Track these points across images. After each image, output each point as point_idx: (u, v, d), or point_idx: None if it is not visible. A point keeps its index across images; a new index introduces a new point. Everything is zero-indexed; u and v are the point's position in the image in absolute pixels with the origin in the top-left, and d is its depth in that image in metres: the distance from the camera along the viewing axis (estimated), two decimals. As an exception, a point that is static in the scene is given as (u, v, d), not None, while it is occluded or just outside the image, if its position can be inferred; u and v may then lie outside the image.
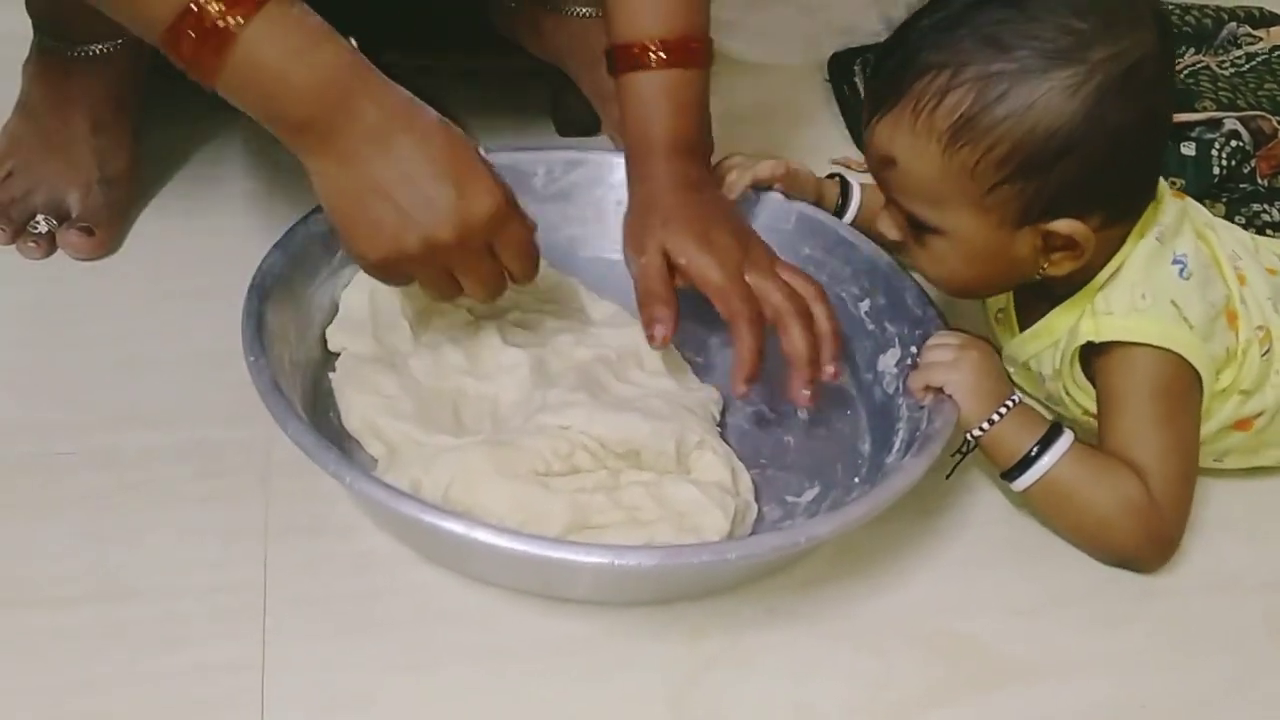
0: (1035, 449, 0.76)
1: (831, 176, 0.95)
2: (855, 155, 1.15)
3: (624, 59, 0.87)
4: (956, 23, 0.72)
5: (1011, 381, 0.80)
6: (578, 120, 1.12)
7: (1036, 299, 0.82)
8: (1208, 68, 1.18)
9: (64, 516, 0.75)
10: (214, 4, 0.66)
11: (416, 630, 0.70)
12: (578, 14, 1.07)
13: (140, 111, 0.98)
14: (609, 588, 0.73)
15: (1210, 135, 1.06)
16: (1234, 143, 1.06)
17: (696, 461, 0.77)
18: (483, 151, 0.76)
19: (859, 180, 0.94)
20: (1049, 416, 0.78)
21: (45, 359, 0.85)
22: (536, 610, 0.72)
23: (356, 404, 0.78)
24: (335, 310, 0.85)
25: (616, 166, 0.95)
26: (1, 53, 0.98)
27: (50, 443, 0.79)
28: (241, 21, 0.67)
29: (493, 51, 1.12)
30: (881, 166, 0.77)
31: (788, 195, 0.93)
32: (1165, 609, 0.76)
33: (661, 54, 0.85)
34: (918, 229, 0.78)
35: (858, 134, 1.17)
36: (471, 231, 0.73)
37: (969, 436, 0.77)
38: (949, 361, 0.78)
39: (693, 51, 0.86)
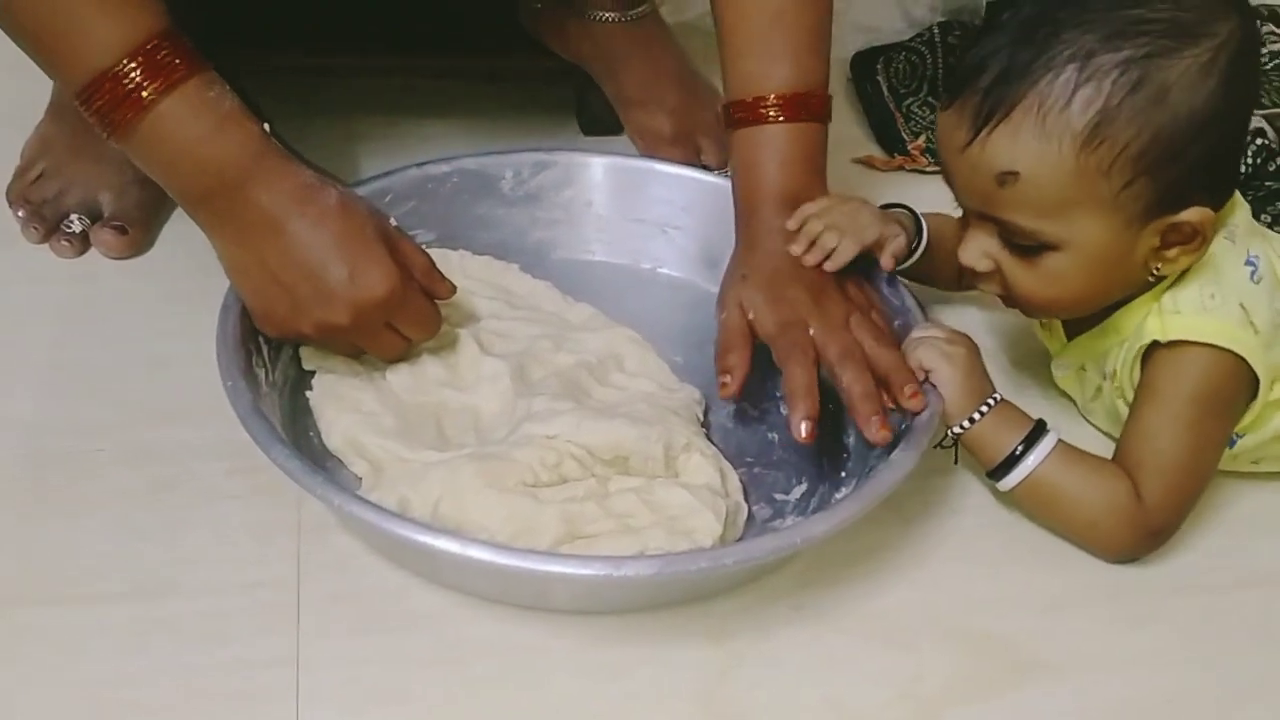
0: (1020, 448, 0.73)
1: (889, 207, 0.86)
2: (877, 153, 1.14)
3: (740, 115, 0.83)
4: (1053, 20, 0.68)
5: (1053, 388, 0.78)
6: (602, 120, 1.10)
7: None
8: (1232, 66, 1.17)
9: (99, 513, 0.73)
10: (134, 73, 0.67)
11: (449, 626, 0.69)
12: (600, 18, 1.04)
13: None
14: (605, 599, 0.70)
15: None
16: (1259, 140, 1.02)
17: (685, 464, 0.74)
18: (393, 223, 0.75)
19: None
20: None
21: (79, 357, 0.85)
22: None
23: (337, 423, 0.76)
24: None
25: (585, 167, 0.93)
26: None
27: (84, 440, 0.78)
28: (155, 96, 0.67)
29: (520, 52, 1.10)
30: (998, 184, 0.70)
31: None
32: (1195, 606, 0.74)
33: (778, 109, 0.81)
34: (1026, 250, 0.72)
35: (879, 132, 1.14)
36: (365, 314, 0.73)
37: (951, 432, 0.75)
38: (942, 354, 0.75)
39: (811, 106, 0.82)
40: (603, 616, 0.70)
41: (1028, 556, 0.76)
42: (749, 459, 0.79)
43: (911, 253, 0.84)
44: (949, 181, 0.75)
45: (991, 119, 0.69)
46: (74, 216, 0.93)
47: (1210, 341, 0.72)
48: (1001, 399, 0.75)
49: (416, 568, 0.71)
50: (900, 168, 1.11)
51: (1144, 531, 0.74)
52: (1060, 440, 0.74)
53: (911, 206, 0.86)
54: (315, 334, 0.74)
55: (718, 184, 0.93)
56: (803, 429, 0.71)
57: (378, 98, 1.12)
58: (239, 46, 1.03)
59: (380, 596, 0.70)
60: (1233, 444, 0.77)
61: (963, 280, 0.84)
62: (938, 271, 0.87)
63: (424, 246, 0.88)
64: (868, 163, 1.11)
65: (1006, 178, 0.69)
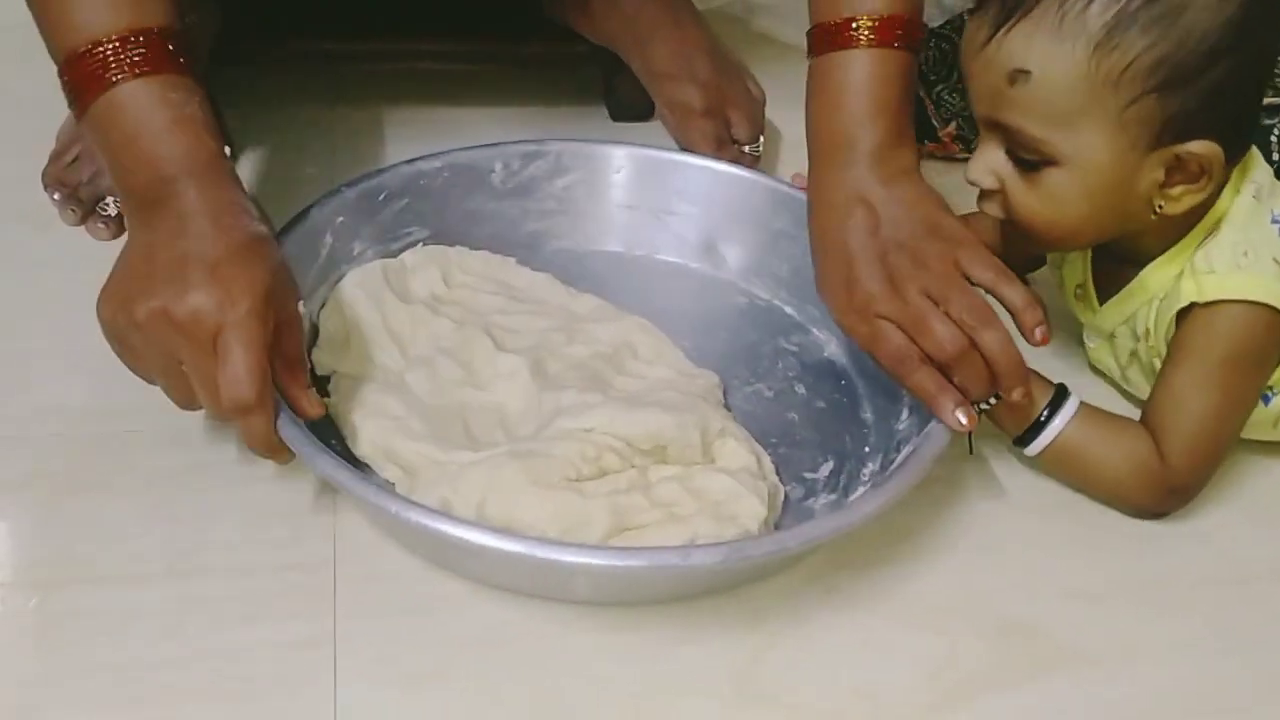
0: (1045, 413, 0.73)
1: None
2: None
3: (824, 37, 0.75)
4: None
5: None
6: (631, 105, 1.09)
7: (1118, 266, 0.78)
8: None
9: (136, 495, 0.72)
10: (104, 57, 0.66)
11: (486, 607, 0.67)
12: None
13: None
14: (677, 587, 0.69)
15: (1269, 121, 1.04)
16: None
17: (720, 450, 0.73)
18: (302, 309, 0.70)
19: None
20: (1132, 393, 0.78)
21: None
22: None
23: (365, 429, 0.73)
24: (314, 332, 0.80)
25: (575, 156, 0.91)
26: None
27: (120, 423, 0.76)
28: (116, 82, 0.67)
29: (546, 37, 1.08)
30: (1008, 83, 0.69)
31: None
32: (1230, 596, 0.73)
33: (868, 31, 0.74)
34: (1028, 165, 0.72)
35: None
36: (156, 324, 0.65)
37: (978, 407, 0.73)
38: None
39: (908, 32, 0.75)
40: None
41: (1062, 543, 0.76)
42: (773, 440, 0.78)
43: None
44: (968, 89, 0.74)
45: (1013, 15, 0.69)
46: (110, 199, 0.91)
47: (1249, 298, 0.71)
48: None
49: (454, 565, 0.69)
50: (931, 155, 1.10)
51: (1166, 490, 0.74)
52: (1083, 402, 0.74)
53: None
54: (133, 323, 0.66)
55: (713, 168, 0.93)
56: (960, 418, 0.70)
57: (405, 84, 1.10)
58: (267, 33, 1.04)
59: (416, 578, 0.69)
60: (1268, 401, 0.78)
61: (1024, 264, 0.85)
62: None
63: (419, 245, 0.87)
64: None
65: (1018, 75, 0.69)
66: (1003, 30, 0.70)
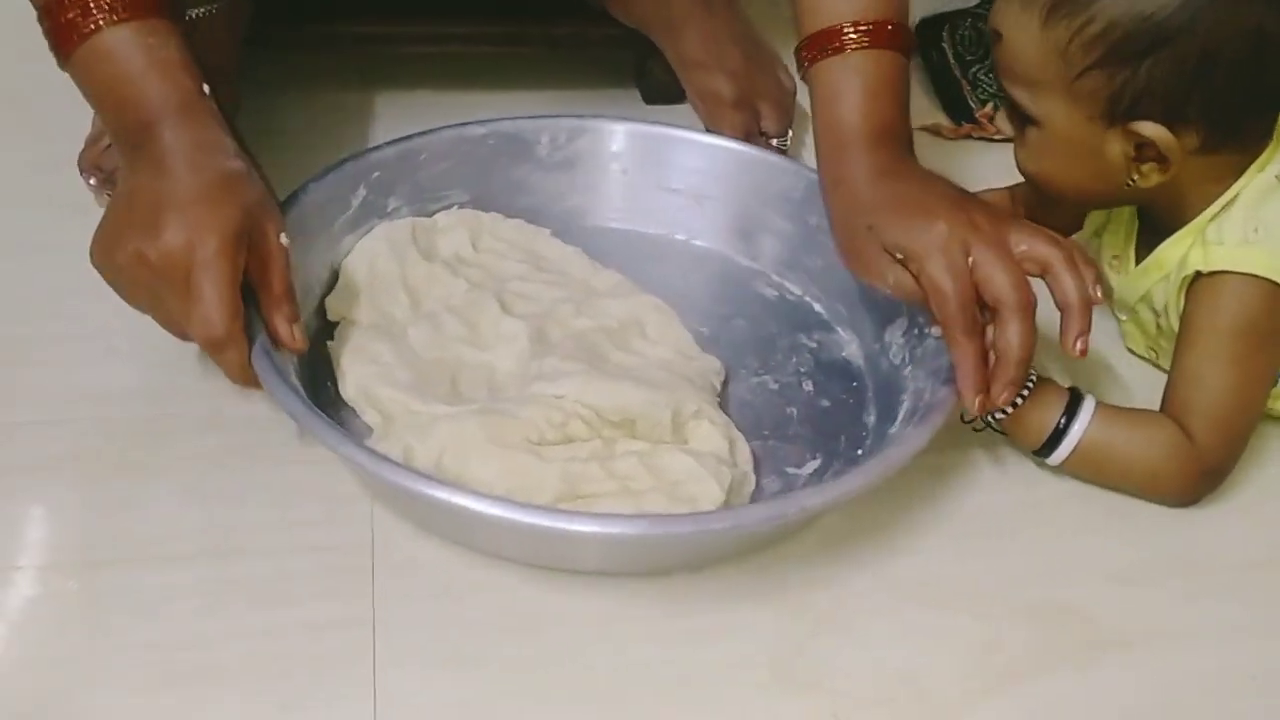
0: (1062, 420, 0.72)
1: None
2: (944, 121, 1.13)
3: (815, 46, 0.77)
4: None
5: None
6: (663, 89, 1.08)
7: (1154, 239, 0.78)
8: None
9: (175, 478, 0.73)
10: (79, 3, 0.67)
11: (525, 590, 0.68)
12: None
13: (235, 79, 0.96)
14: (599, 558, 0.69)
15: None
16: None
17: (693, 431, 0.73)
18: (283, 240, 0.70)
19: None
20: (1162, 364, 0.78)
21: (150, 324, 0.84)
22: (642, 575, 0.70)
23: (352, 373, 0.75)
24: (334, 279, 0.82)
25: (620, 135, 0.92)
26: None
27: (158, 406, 0.77)
28: (93, 30, 0.68)
29: (577, 19, 1.08)
30: (994, 42, 0.74)
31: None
32: (1272, 577, 0.73)
33: (855, 36, 0.76)
34: (1020, 120, 0.75)
35: (946, 100, 1.13)
36: (131, 263, 0.67)
37: (994, 418, 0.73)
38: None
39: (891, 35, 0.76)
40: (678, 583, 0.69)
41: (1105, 527, 0.75)
42: (765, 432, 0.77)
43: None
44: None
45: None
46: None
47: (1252, 271, 0.72)
48: (1038, 377, 0.73)
49: (414, 517, 0.70)
50: (968, 136, 1.09)
51: (1199, 473, 0.73)
52: (1100, 403, 0.73)
53: None
54: (116, 267, 0.69)
55: (752, 155, 0.91)
56: (975, 401, 0.68)
57: (436, 67, 1.11)
58: (298, 17, 1.03)
59: (454, 561, 0.69)
60: None
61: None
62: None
63: (456, 208, 0.89)
64: (934, 131, 1.10)
65: (995, 36, 0.74)
66: None
